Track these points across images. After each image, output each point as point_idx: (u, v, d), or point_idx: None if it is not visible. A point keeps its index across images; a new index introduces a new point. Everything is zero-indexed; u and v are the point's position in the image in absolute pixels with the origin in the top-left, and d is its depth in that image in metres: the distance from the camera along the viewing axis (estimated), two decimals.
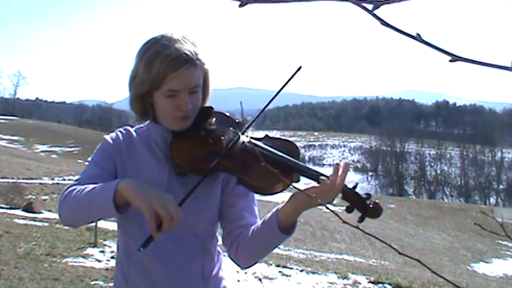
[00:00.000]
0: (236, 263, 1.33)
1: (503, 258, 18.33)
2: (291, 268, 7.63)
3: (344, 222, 0.65)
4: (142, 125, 1.40)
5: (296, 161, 1.26)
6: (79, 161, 37.47)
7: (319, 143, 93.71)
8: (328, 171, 1.22)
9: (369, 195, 1.22)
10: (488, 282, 12.99)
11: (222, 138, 1.29)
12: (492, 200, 55.98)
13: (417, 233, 22.54)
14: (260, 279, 6.42)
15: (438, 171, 64.13)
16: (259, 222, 1.30)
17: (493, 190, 58.48)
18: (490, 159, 63.06)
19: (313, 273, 7.56)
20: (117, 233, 1.41)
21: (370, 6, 0.42)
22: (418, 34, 0.43)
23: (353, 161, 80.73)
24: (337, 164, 1.19)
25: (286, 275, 7.02)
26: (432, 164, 66.83)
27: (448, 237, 22.77)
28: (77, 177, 1.31)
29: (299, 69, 1.31)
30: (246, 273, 6.37)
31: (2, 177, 17.37)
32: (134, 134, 1.40)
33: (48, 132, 58.23)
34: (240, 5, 0.45)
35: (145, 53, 1.26)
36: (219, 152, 1.26)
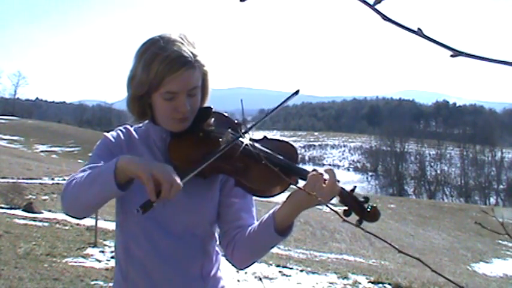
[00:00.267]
0: (232, 264, 1.33)
1: (503, 258, 18.34)
2: (291, 268, 7.63)
3: (344, 220, 0.65)
4: (141, 125, 1.40)
5: (294, 164, 1.25)
6: (79, 161, 37.45)
7: (319, 143, 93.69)
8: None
9: (367, 198, 1.21)
10: (488, 282, 13.00)
11: (220, 140, 1.28)
12: (492, 200, 55.98)
13: (417, 233, 22.54)
14: (260, 279, 6.41)
15: (438, 171, 64.14)
16: (256, 223, 1.30)
17: (493, 190, 58.49)
18: (490, 159, 63.07)
19: (313, 273, 7.55)
20: (116, 232, 1.41)
21: (371, 1, 0.42)
22: (419, 29, 0.43)
23: (353, 161, 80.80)
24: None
25: (286, 275, 7.01)
26: (432, 164, 66.83)
27: (448, 237, 22.77)
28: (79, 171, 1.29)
29: (296, 92, 1.31)
30: (246, 273, 6.37)
31: (2, 177, 17.36)
32: (134, 133, 1.39)
33: (48, 132, 58.24)
34: (241, 0, 0.45)
35: (144, 54, 1.26)
36: (217, 154, 1.25)
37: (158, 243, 1.28)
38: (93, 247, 7.17)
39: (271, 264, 7.52)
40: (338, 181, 1.18)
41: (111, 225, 8.59)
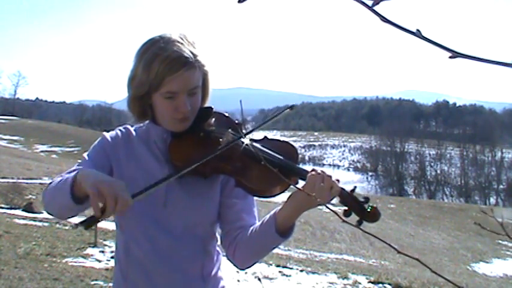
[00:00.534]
0: (234, 264, 1.33)
1: (503, 258, 18.32)
2: (291, 268, 7.62)
3: (344, 221, 0.65)
4: (142, 125, 1.40)
5: (294, 164, 1.25)
6: (79, 161, 37.35)
7: (319, 143, 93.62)
8: (328, 171, 1.21)
9: (367, 198, 1.21)
10: (488, 282, 12.99)
11: (221, 140, 1.28)
12: (492, 200, 55.94)
13: (417, 233, 22.53)
14: (260, 279, 6.41)
15: (438, 171, 64.08)
16: (257, 223, 1.30)
17: (493, 190, 58.43)
18: (490, 159, 63.02)
19: (313, 273, 7.55)
20: (116, 232, 1.41)
21: (370, 3, 0.42)
22: (418, 30, 0.43)
23: (353, 161, 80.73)
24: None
25: (286, 275, 7.01)
26: (432, 164, 66.77)
27: (448, 237, 22.75)
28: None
29: (291, 107, 1.33)
30: (246, 273, 6.36)
31: (2, 177, 17.35)
32: (134, 133, 1.39)
33: (48, 132, 58.20)
34: (239, 1, 0.45)
35: (144, 54, 1.26)
36: (217, 154, 1.25)
37: (158, 243, 1.28)
38: (93, 247, 7.16)
39: (271, 264, 7.51)
40: (338, 181, 1.18)
41: (111, 225, 8.57)
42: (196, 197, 1.29)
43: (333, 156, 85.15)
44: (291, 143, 1.35)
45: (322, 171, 1.18)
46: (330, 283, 6.93)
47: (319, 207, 1.20)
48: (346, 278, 7.47)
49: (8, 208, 11.62)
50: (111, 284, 4.39)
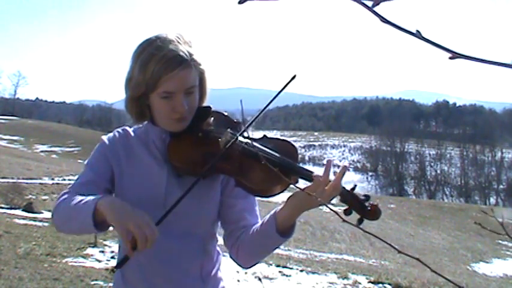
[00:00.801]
0: (238, 264, 1.33)
1: (503, 258, 18.33)
2: (291, 268, 7.63)
3: (344, 221, 0.65)
4: (140, 125, 1.40)
5: (294, 163, 1.25)
6: (79, 161, 37.42)
7: (319, 143, 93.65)
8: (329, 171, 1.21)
9: (367, 196, 1.21)
10: (488, 282, 12.99)
11: (220, 140, 1.27)
12: (492, 200, 55.95)
13: (417, 233, 22.54)
14: (260, 279, 6.41)
15: (438, 171, 64.10)
16: (259, 223, 1.30)
17: (493, 190, 58.46)
18: (490, 159, 63.03)
19: (313, 273, 7.55)
20: (118, 235, 1.41)
21: (369, 3, 0.42)
22: (418, 31, 0.43)
23: (353, 161, 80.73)
24: (329, 161, 1.19)
25: (286, 275, 7.01)
26: (432, 164, 66.80)
27: (448, 237, 22.77)
28: (73, 181, 1.32)
29: (294, 77, 1.29)
30: (246, 273, 6.37)
31: (2, 177, 17.36)
32: (132, 134, 1.39)
33: (48, 132, 58.22)
34: (240, 2, 0.45)
35: (141, 54, 1.26)
36: (216, 153, 1.25)
37: (158, 244, 1.27)
38: (93, 247, 7.17)
39: (271, 264, 7.51)
40: (345, 167, 1.18)
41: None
42: (196, 197, 1.28)
43: (333, 156, 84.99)
44: (291, 141, 1.34)
45: (334, 171, 1.18)
46: (330, 283, 6.93)
47: (320, 207, 1.19)
48: (346, 278, 7.47)
49: (8, 208, 11.62)
50: (111, 284, 4.39)
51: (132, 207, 1.12)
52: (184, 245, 1.31)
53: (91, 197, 1.17)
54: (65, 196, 1.24)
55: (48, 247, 6.75)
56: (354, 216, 1.18)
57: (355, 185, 1.22)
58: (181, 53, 1.23)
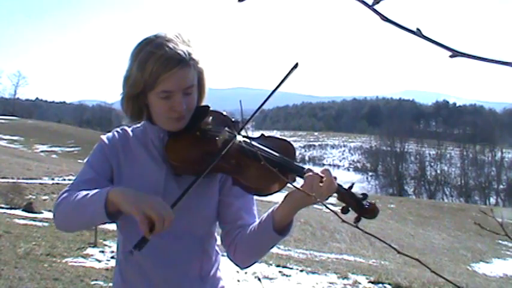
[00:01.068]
0: (235, 263, 1.33)
1: (503, 258, 18.32)
2: (291, 268, 7.62)
3: (344, 221, 0.65)
4: (139, 125, 1.40)
5: (291, 161, 1.25)
6: (79, 161, 37.39)
7: (319, 143, 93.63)
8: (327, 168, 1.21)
9: (365, 195, 1.21)
10: (488, 282, 12.98)
11: (217, 138, 1.27)
12: (492, 200, 55.94)
13: (417, 233, 22.52)
14: (260, 279, 6.41)
15: (438, 171, 64.07)
16: (256, 222, 1.29)
17: (493, 190, 58.43)
18: (490, 159, 63.01)
19: (313, 273, 7.55)
20: (117, 233, 1.41)
21: (370, 2, 0.42)
22: (418, 29, 0.43)
23: (353, 161, 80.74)
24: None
25: (286, 275, 7.01)
26: (432, 164, 66.76)
27: (448, 237, 22.75)
28: (72, 180, 1.32)
29: (296, 66, 1.27)
30: (246, 273, 6.36)
31: (2, 177, 17.35)
32: (131, 133, 1.39)
33: (48, 132, 58.20)
34: (239, 0, 0.45)
35: (139, 53, 1.26)
36: (214, 152, 1.24)
37: (157, 244, 1.27)
38: (93, 247, 7.16)
39: (271, 264, 7.51)
40: (335, 178, 1.18)
41: (111, 225, 8.53)
42: (195, 197, 1.28)
43: (333, 156, 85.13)
44: (288, 140, 1.34)
45: (321, 170, 1.18)
46: (330, 283, 6.92)
47: (319, 206, 1.19)
48: (346, 278, 7.47)
49: (8, 208, 11.62)
50: (111, 284, 4.39)
51: (141, 192, 1.15)
52: (184, 245, 1.31)
53: (99, 190, 1.17)
54: (66, 194, 1.24)
55: (48, 247, 6.75)
56: (352, 215, 1.18)
57: (353, 183, 1.23)
58: (180, 52, 1.23)
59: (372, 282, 7.37)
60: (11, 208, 11.70)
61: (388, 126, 75.17)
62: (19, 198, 12.64)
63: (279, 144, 1.30)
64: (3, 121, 60.82)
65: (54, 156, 44.82)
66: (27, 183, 16.95)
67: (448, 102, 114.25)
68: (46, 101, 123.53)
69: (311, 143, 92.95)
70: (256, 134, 1.35)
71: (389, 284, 7.37)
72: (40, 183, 18.05)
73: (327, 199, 1.16)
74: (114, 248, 7.13)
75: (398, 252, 0.61)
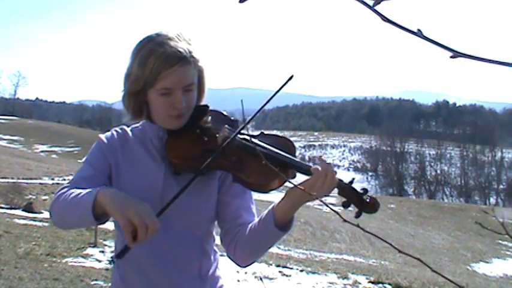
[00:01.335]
0: (235, 262, 1.33)
1: (503, 258, 18.33)
2: (291, 268, 7.63)
3: (345, 221, 0.65)
4: (138, 124, 1.40)
5: (292, 157, 1.25)
6: (79, 161, 37.37)
7: (319, 143, 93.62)
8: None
9: (365, 190, 1.22)
10: (488, 282, 12.99)
11: (217, 136, 1.28)
12: (492, 200, 56.00)
13: (417, 233, 22.54)
14: (260, 279, 6.41)
15: (438, 171, 64.12)
16: (256, 220, 1.29)
17: (493, 190, 58.49)
18: (490, 159, 63.07)
19: (313, 273, 7.55)
20: (116, 233, 1.41)
21: (371, 2, 0.42)
22: (419, 30, 0.43)
23: (353, 161, 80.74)
24: (320, 157, 1.21)
25: (286, 275, 7.01)
26: (432, 164, 66.81)
27: (448, 237, 22.77)
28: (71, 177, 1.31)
29: (291, 78, 1.28)
30: (246, 273, 6.37)
31: (2, 177, 17.35)
32: (130, 133, 1.39)
33: (48, 132, 58.24)
34: (240, 1, 0.45)
35: (140, 51, 1.26)
36: (214, 149, 1.24)
37: (156, 243, 1.27)
38: (93, 247, 7.17)
39: (271, 264, 7.51)
40: (336, 172, 1.18)
41: (111, 225, 8.52)
42: (194, 195, 1.28)
43: (333, 156, 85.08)
44: (288, 137, 1.34)
45: (322, 166, 1.17)
46: (330, 283, 6.93)
47: (320, 207, 1.20)
48: (346, 278, 7.47)
49: (8, 208, 11.62)
50: (110, 284, 4.38)
51: (133, 198, 1.12)
52: (183, 244, 1.31)
53: (90, 189, 1.16)
54: (63, 191, 1.23)
55: (48, 247, 6.75)
56: (352, 215, 1.18)
57: (353, 178, 1.24)
58: (181, 50, 1.24)
59: (372, 282, 7.38)
60: (11, 208, 11.71)
61: (388, 126, 75.24)
62: (19, 198, 12.65)
63: (279, 141, 1.31)
64: (3, 121, 60.85)
65: (54, 156, 44.85)
66: (27, 183, 16.96)
67: (448, 102, 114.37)
68: (46, 101, 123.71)
69: (311, 143, 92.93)
70: (256, 133, 1.35)
71: (389, 284, 7.38)
72: (40, 183, 18.06)
73: (328, 194, 1.16)
74: (114, 248, 7.12)
75: (400, 252, 0.61)
